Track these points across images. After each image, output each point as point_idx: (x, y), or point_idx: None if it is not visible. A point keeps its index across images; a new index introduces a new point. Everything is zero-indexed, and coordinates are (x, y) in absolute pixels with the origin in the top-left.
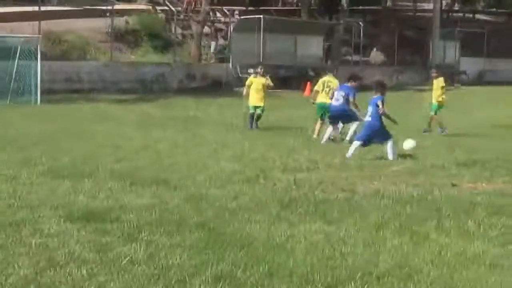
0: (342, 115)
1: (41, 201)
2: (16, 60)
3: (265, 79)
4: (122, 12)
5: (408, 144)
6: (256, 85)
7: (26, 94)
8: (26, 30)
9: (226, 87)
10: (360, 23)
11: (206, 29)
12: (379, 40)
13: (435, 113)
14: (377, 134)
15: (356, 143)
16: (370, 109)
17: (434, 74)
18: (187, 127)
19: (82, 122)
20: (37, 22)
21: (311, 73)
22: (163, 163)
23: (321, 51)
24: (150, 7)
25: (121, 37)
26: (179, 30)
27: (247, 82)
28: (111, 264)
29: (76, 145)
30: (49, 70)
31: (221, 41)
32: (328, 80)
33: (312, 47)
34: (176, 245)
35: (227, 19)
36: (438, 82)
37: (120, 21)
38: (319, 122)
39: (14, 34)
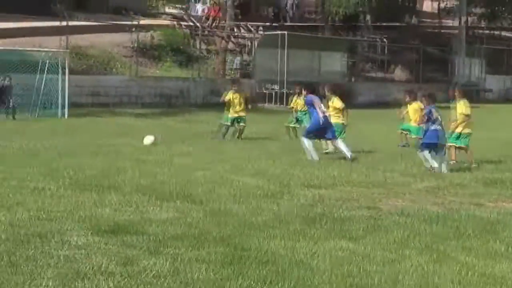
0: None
1: (68, 213)
2: (45, 74)
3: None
4: (146, 27)
5: (148, 140)
6: (237, 100)
7: (53, 108)
8: (52, 44)
9: (249, 102)
10: (384, 39)
11: (230, 45)
12: (402, 56)
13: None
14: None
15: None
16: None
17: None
18: (210, 142)
19: (107, 135)
20: (63, 36)
21: None
22: (186, 178)
23: (345, 68)
24: (175, 23)
25: (145, 52)
26: (203, 46)
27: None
28: (137, 277)
29: (100, 158)
30: (74, 84)
31: (245, 57)
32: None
33: (335, 63)
34: (200, 260)
35: (251, 35)
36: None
37: (144, 36)
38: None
39: (42, 48)
